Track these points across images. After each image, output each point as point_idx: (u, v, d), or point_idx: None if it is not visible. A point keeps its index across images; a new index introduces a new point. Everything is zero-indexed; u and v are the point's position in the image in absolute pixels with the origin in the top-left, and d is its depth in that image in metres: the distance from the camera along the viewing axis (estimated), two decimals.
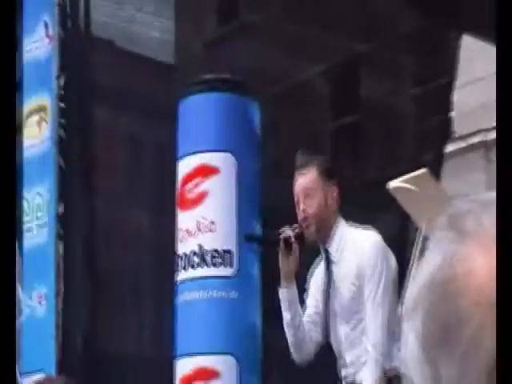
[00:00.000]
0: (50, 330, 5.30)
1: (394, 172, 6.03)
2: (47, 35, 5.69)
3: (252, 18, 7.33)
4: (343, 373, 3.60)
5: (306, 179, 3.66)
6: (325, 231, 3.62)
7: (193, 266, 5.05)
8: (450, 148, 9.21)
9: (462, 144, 10.81)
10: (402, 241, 6.53)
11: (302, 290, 3.74)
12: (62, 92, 5.66)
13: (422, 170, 6.15)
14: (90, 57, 6.17)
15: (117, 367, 5.88)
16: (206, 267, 5.01)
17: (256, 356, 4.93)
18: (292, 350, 3.68)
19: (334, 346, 3.63)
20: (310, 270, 3.77)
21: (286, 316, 3.62)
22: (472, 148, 11.04)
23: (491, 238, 0.63)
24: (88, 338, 5.59)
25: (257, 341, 4.96)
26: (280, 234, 3.63)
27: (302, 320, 3.62)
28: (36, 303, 5.45)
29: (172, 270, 5.16)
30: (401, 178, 6.19)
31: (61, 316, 5.36)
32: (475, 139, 11.31)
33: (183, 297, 5.07)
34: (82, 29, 6.01)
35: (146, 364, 6.13)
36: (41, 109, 5.67)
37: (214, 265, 4.99)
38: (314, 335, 3.66)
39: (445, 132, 8.01)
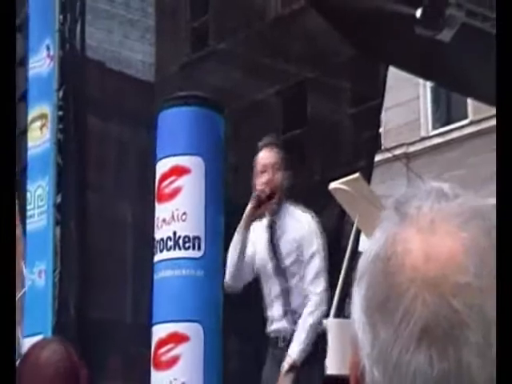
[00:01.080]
0: (48, 300, 5.24)
1: (334, 175, 6.08)
2: (48, 56, 5.62)
3: (219, 46, 7.31)
4: (274, 326, 3.56)
5: (274, 155, 3.65)
6: (276, 204, 3.64)
7: (168, 249, 5.02)
8: (378, 157, 9.29)
9: (388, 154, 10.90)
10: (339, 231, 6.57)
11: None
12: (61, 103, 5.60)
13: (356, 175, 6.20)
14: (84, 74, 6.09)
15: (103, 331, 5.81)
16: (178, 250, 4.98)
17: (218, 323, 4.92)
18: (230, 278, 3.68)
19: (268, 299, 3.61)
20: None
21: (235, 250, 3.63)
22: (395, 158, 11.14)
23: (428, 223, 0.62)
24: (79, 306, 5.52)
25: (219, 311, 4.94)
26: (257, 194, 3.61)
27: (245, 258, 3.62)
28: (36, 277, 5.38)
29: (150, 252, 5.12)
30: (339, 181, 6.23)
31: (57, 288, 5.30)
32: (398, 151, 11.42)
33: (159, 274, 5.04)
34: (78, 51, 5.93)
35: (127, 329, 6.08)
36: (42, 116, 5.60)
37: (185, 248, 4.96)
38: (246, 273, 3.69)
39: (374, 144, 8.07)
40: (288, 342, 3.49)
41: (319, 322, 3.45)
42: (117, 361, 6.06)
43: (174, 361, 4.80)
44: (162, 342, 4.85)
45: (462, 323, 0.59)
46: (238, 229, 3.67)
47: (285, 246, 3.58)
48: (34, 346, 2.03)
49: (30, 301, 5.37)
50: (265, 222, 3.70)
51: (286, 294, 3.54)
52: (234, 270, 3.65)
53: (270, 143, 3.72)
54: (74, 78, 5.90)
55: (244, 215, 3.65)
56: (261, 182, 3.61)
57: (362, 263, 0.64)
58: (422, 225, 0.62)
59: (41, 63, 5.65)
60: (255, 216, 3.63)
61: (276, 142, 3.75)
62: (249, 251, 3.69)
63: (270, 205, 3.61)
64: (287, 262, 3.56)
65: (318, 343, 3.43)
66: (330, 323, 5.19)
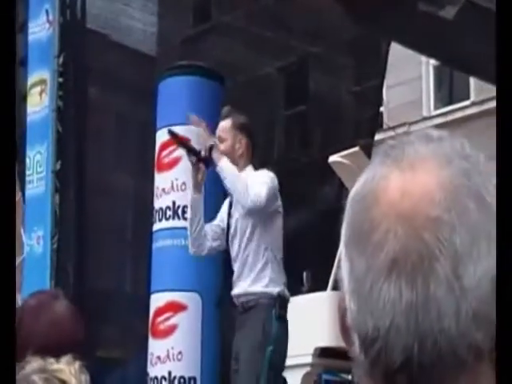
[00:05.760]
0: (46, 265, 5.22)
1: (334, 151, 6.02)
2: (48, 21, 5.58)
3: (222, 19, 7.23)
4: (234, 291, 3.60)
5: (221, 126, 3.78)
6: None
7: (166, 219, 4.98)
8: (380, 136, 9.24)
9: (389, 133, 10.84)
10: (339, 205, 6.54)
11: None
12: (61, 69, 5.55)
13: (356, 148, 6.13)
14: (84, 42, 6.02)
15: (101, 300, 5.79)
16: (177, 219, 4.94)
17: (216, 293, 4.88)
18: (190, 243, 3.74)
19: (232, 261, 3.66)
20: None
21: (189, 216, 3.70)
22: (397, 137, 11.09)
23: (409, 162, 0.62)
24: (78, 274, 5.48)
25: (217, 281, 4.90)
26: (195, 150, 3.70)
27: (202, 224, 3.67)
28: (35, 243, 5.37)
29: (149, 222, 5.08)
30: (339, 154, 6.16)
31: (55, 255, 5.27)
32: (400, 130, 11.36)
33: (158, 244, 5.00)
34: (79, 18, 5.86)
35: (125, 298, 6.06)
36: (42, 82, 5.56)
37: (184, 218, 4.90)
38: (209, 241, 3.72)
39: (375, 122, 8.03)
40: (244, 308, 3.51)
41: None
42: (114, 329, 6.04)
43: (171, 329, 4.77)
44: (160, 311, 4.82)
45: (431, 256, 0.59)
46: (189, 197, 3.75)
47: (236, 212, 3.62)
48: (45, 296, 2.01)
49: (29, 266, 5.34)
50: None
51: (236, 259, 3.59)
52: (191, 237, 3.71)
53: (221, 115, 3.86)
54: (74, 45, 5.84)
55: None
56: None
57: (346, 205, 0.66)
58: (403, 164, 0.63)
59: (40, 28, 5.60)
60: (199, 178, 3.65)
61: (225, 114, 3.84)
62: (217, 220, 3.76)
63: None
64: (236, 227, 3.61)
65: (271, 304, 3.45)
66: (328, 296, 5.16)
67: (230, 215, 3.67)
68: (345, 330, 0.64)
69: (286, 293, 3.52)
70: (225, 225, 3.69)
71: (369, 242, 0.61)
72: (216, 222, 3.75)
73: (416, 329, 0.59)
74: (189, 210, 3.73)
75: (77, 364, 1.38)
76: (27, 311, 1.92)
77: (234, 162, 3.65)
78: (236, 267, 3.59)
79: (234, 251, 3.61)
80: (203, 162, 3.62)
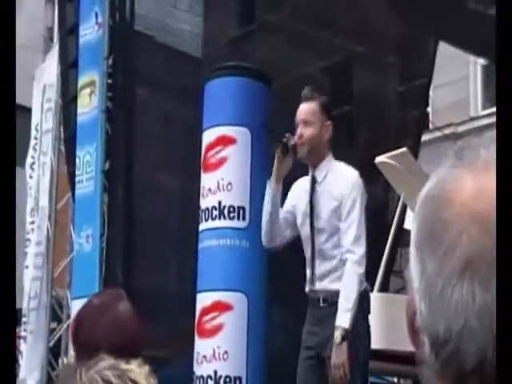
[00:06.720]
0: (95, 264, 5.29)
1: (380, 153, 5.98)
2: (97, 23, 5.67)
3: (267, 20, 7.26)
4: (316, 286, 3.43)
5: (308, 108, 3.51)
6: (315, 158, 3.47)
7: (213, 219, 5.02)
8: (427, 137, 9.13)
9: (436, 134, 10.74)
10: (384, 206, 6.50)
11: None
12: (110, 70, 5.63)
13: (403, 149, 6.07)
14: (132, 44, 6.10)
15: (148, 299, 5.85)
16: (223, 220, 4.98)
17: (262, 293, 4.91)
18: (264, 234, 3.56)
19: (306, 258, 3.50)
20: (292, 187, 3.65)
21: (268, 207, 3.49)
22: (444, 138, 10.96)
23: (482, 163, 0.62)
24: (125, 273, 5.55)
25: (263, 281, 4.93)
26: (283, 139, 3.48)
27: (278, 214, 3.49)
28: (84, 241, 5.45)
29: (195, 222, 5.13)
30: (386, 155, 6.12)
31: (104, 253, 5.35)
32: (447, 130, 11.23)
33: (204, 243, 5.04)
34: (128, 20, 5.94)
35: (172, 297, 6.11)
36: (91, 83, 5.65)
37: (230, 218, 4.95)
38: (283, 230, 3.55)
39: (421, 123, 7.96)
40: (329, 303, 3.38)
41: (361, 285, 3.34)
42: (161, 329, 6.10)
43: (217, 329, 4.81)
44: (206, 310, 4.86)
45: None
46: (267, 183, 3.54)
47: (323, 203, 3.43)
48: (108, 296, 2.04)
49: (78, 264, 5.44)
50: (309, 177, 3.56)
51: (323, 254, 3.42)
52: (265, 228, 3.52)
53: (305, 96, 3.57)
54: (123, 47, 5.92)
55: (273, 168, 3.54)
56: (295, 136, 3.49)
57: (416, 205, 0.65)
58: (476, 165, 0.63)
59: (90, 30, 5.70)
60: (283, 169, 3.48)
61: (310, 95, 3.55)
62: (288, 206, 3.56)
63: (300, 155, 3.46)
64: (324, 220, 3.42)
65: (361, 304, 3.34)
66: (374, 297, 5.13)
67: (312, 205, 3.46)
68: (413, 332, 0.64)
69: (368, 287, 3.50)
70: (299, 212, 3.49)
71: (441, 242, 0.61)
72: (288, 207, 3.54)
73: (490, 331, 0.58)
74: (268, 202, 3.48)
75: (146, 367, 1.41)
76: (91, 310, 1.96)
77: (319, 148, 3.45)
78: (318, 262, 3.42)
79: (318, 244, 3.42)
80: (291, 151, 3.41)
